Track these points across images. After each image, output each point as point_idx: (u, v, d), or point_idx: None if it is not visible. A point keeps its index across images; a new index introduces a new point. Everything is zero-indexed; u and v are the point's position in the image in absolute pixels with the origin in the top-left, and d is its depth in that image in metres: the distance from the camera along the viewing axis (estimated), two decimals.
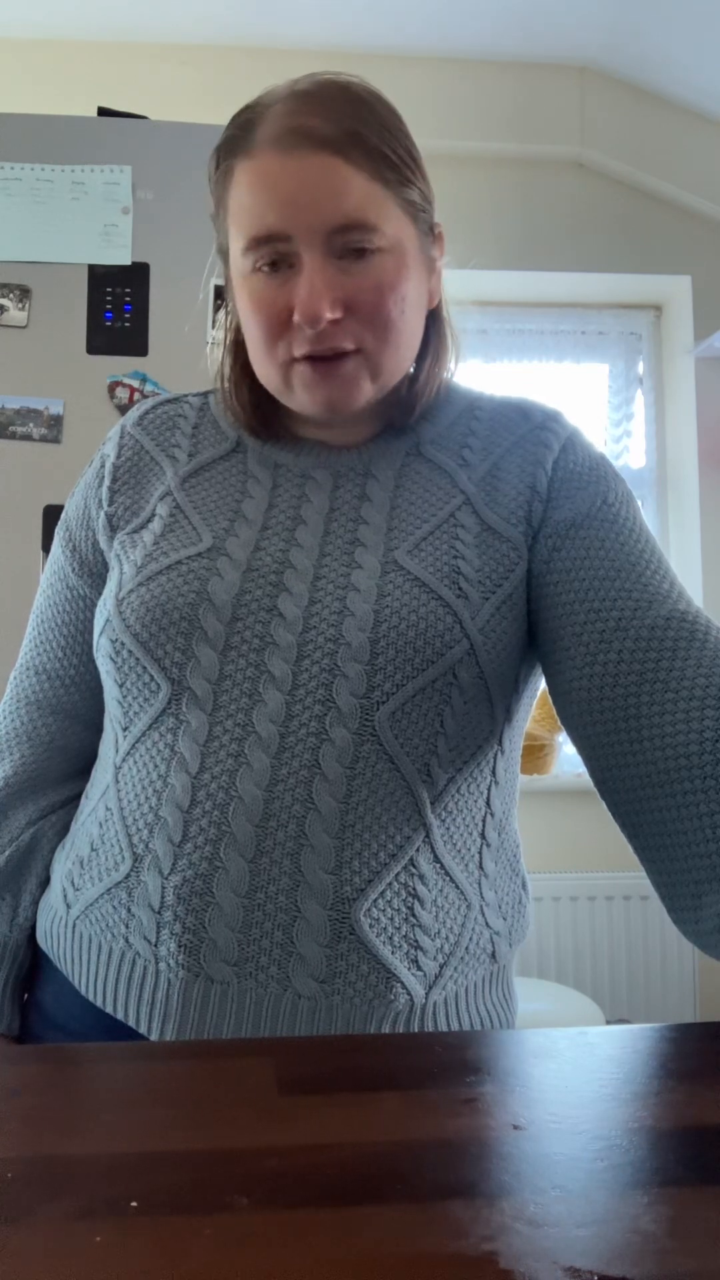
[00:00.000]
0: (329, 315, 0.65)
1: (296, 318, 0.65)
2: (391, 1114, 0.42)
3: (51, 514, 1.68)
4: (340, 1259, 0.32)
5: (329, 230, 0.65)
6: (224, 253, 0.73)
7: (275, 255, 0.66)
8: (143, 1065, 0.47)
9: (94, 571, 0.77)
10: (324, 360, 0.67)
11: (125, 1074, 0.46)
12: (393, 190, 0.67)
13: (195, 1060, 0.48)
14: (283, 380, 0.70)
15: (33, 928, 0.77)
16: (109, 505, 0.76)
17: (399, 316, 0.68)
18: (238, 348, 0.75)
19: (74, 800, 0.80)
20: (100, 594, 0.75)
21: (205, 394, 0.82)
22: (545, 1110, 0.42)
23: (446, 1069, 0.46)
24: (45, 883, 0.77)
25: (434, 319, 0.75)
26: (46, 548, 1.67)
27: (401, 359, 0.71)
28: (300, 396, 0.70)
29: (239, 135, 0.67)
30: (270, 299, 0.67)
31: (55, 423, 1.69)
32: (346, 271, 0.66)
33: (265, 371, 0.71)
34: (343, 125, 0.65)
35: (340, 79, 0.68)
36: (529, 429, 0.74)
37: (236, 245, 0.68)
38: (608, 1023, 2.18)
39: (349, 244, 0.66)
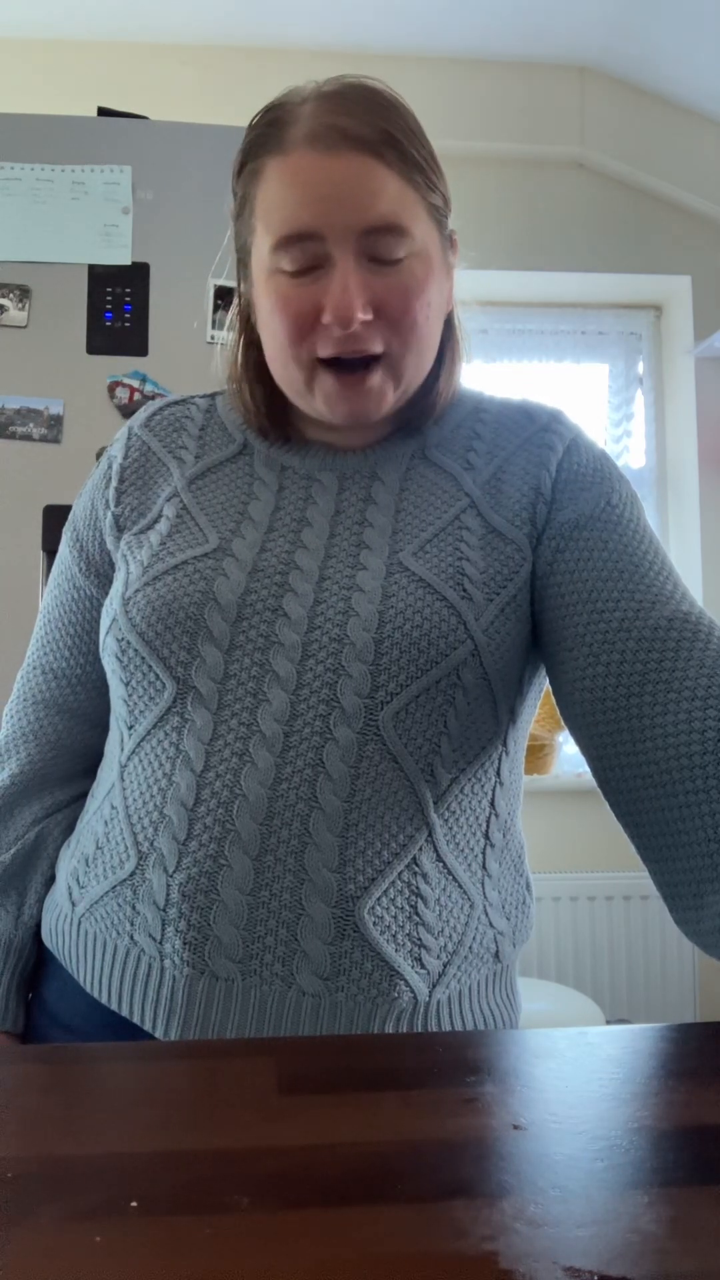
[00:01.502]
0: (361, 316, 0.65)
1: (327, 318, 0.65)
2: (392, 1114, 0.42)
3: (51, 514, 1.68)
4: (340, 1259, 0.32)
5: (362, 231, 0.65)
6: (244, 252, 0.72)
7: (305, 254, 0.66)
8: (143, 1065, 0.47)
9: (101, 572, 0.77)
10: (350, 371, 0.67)
11: (125, 1074, 0.46)
12: (421, 194, 0.67)
13: (195, 1060, 0.48)
14: (305, 383, 0.69)
15: (37, 926, 0.77)
16: (116, 506, 0.76)
17: (424, 322, 0.68)
18: (250, 346, 0.75)
19: (80, 799, 0.80)
20: (107, 594, 0.75)
21: (212, 396, 0.82)
22: (545, 1110, 0.42)
23: (447, 1069, 0.46)
24: (50, 881, 0.78)
25: (447, 324, 0.75)
26: (46, 548, 1.67)
27: (422, 365, 0.71)
28: (320, 405, 0.70)
29: (269, 133, 0.67)
30: (297, 298, 0.67)
31: (55, 423, 1.69)
32: (377, 274, 0.66)
33: (286, 372, 0.70)
34: (377, 127, 0.65)
35: (366, 82, 0.68)
36: (533, 431, 0.75)
37: (264, 243, 0.68)
38: (608, 1023, 2.18)
39: (379, 246, 0.66)
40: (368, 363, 0.68)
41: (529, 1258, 0.32)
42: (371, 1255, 0.32)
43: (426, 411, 0.75)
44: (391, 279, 0.66)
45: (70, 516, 0.82)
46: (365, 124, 0.65)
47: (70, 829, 0.79)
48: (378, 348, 0.67)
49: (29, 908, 0.77)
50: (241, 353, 0.76)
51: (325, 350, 0.67)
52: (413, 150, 0.66)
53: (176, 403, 0.82)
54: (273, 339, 0.70)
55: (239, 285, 0.75)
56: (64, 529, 0.82)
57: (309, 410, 0.72)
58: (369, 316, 0.66)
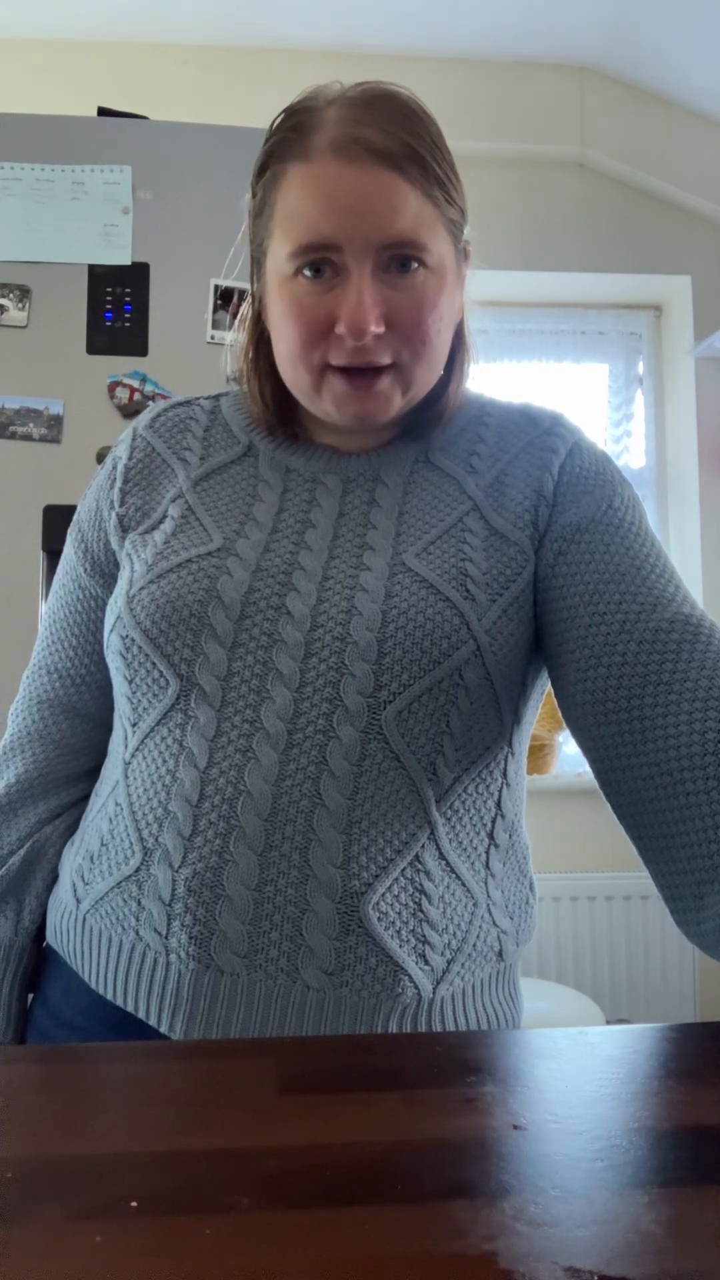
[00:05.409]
0: (374, 329, 0.65)
1: (340, 329, 0.66)
2: (392, 1114, 0.42)
3: (51, 514, 1.68)
4: (340, 1259, 0.32)
5: (381, 245, 0.65)
6: (259, 252, 0.72)
7: (322, 263, 0.66)
8: (143, 1065, 0.47)
9: (105, 572, 0.77)
10: (359, 375, 0.68)
11: (125, 1074, 0.46)
12: (441, 210, 0.67)
13: (196, 1060, 0.48)
14: (313, 386, 0.70)
15: (37, 931, 0.77)
16: (120, 506, 0.76)
17: (436, 335, 0.69)
18: (261, 344, 0.75)
19: (82, 801, 0.80)
20: (111, 594, 0.75)
21: (216, 397, 0.83)
22: (545, 1110, 0.42)
23: (447, 1069, 0.46)
24: (51, 885, 0.78)
25: (457, 333, 0.75)
26: (46, 548, 1.67)
27: (432, 374, 0.72)
28: (329, 407, 0.70)
29: (292, 138, 0.67)
30: (312, 306, 0.67)
31: (55, 423, 1.69)
32: (391, 286, 0.66)
33: (295, 376, 0.71)
34: (401, 140, 0.65)
35: (390, 89, 0.68)
36: (536, 435, 0.75)
37: (281, 248, 0.68)
38: (608, 1023, 2.18)
39: (396, 260, 0.66)
40: (378, 369, 0.68)
41: (529, 1258, 0.32)
42: (371, 1255, 0.32)
43: (433, 419, 0.75)
44: (405, 293, 0.67)
45: (75, 517, 0.82)
46: (389, 137, 0.65)
47: (73, 830, 0.79)
48: (387, 359, 0.67)
49: (28, 913, 0.77)
50: (252, 350, 0.76)
51: (337, 360, 0.67)
52: (435, 165, 0.66)
53: (181, 404, 0.82)
54: (284, 343, 0.70)
55: (252, 284, 0.75)
56: (69, 530, 0.82)
57: (317, 412, 0.72)
58: (381, 330, 0.66)
